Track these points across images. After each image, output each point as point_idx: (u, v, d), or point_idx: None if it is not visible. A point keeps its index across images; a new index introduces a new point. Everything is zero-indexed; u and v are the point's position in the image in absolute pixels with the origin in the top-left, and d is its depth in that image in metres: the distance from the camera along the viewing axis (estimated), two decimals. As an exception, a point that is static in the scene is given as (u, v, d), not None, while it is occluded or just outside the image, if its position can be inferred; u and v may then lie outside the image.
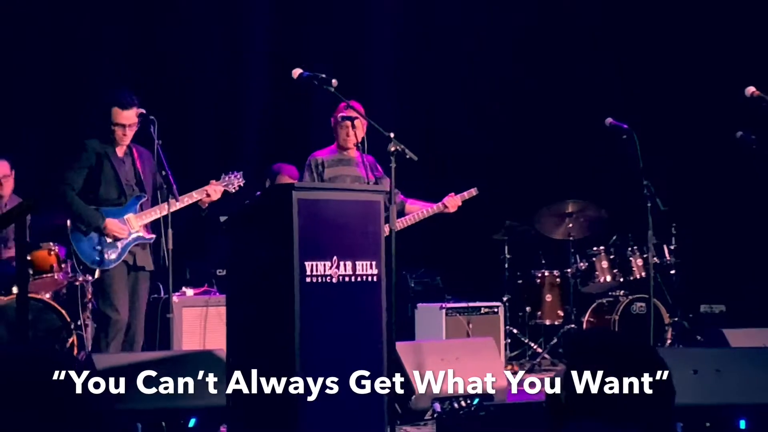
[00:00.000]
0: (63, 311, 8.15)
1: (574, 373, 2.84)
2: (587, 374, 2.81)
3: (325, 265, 5.27)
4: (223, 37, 11.03)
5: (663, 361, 2.81)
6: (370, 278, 5.42)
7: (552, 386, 3.57)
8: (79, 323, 8.46)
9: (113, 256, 7.18)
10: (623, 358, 2.84)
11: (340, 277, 5.31)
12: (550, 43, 11.83)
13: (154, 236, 7.28)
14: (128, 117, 7.20)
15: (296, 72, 6.50)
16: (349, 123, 7.65)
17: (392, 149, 6.23)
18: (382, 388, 5.42)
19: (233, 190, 7.54)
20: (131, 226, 7.22)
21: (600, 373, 2.80)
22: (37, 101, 9.96)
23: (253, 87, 11.13)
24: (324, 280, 5.26)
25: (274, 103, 11.05)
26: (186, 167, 8.71)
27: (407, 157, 6.29)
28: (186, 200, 7.30)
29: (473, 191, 8.37)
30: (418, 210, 8.08)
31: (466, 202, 8.40)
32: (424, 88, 11.89)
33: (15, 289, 7.52)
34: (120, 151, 7.33)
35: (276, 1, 11.24)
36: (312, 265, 5.21)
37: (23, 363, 1.87)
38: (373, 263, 5.43)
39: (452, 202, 8.17)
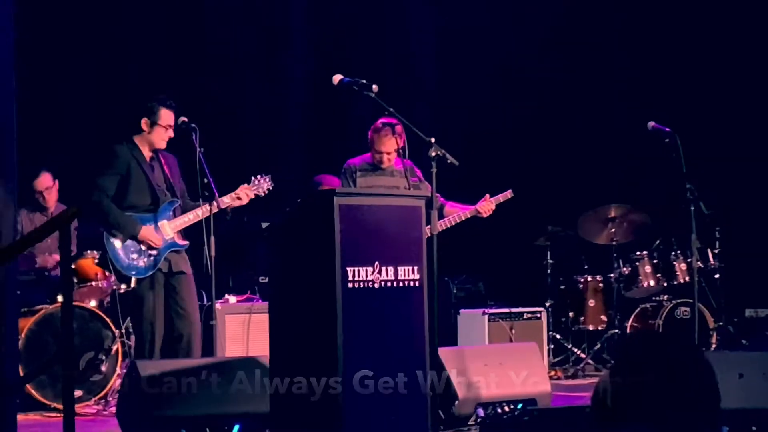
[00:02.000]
0: (108, 319, 8.21)
1: (621, 378, 2.82)
2: (634, 378, 2.79)
3: (367, 270, 5.26)
4: (264, 43, 11.06)
5: (710, 364, 2.79)
6: (412, 283, 5.41)
7: (597, 391, 3.56)
8: (123, 331, 8.52)
9: (149, 264, 7.19)
10: (670, 362, 2.81)
11: (382, 283, 5.31)
12: (594, 45, 11.79)
13: (187, 243, 7.29)
14: (172, 118, 7.27)
15: (336, 78, 6.49)
16: (384, 152, 7.68)
17: (433, 154, 6.22)
18: (425, 393, 5.41)
19: (263, 194, 7.53)
20: (165, 233, 7.23)
21: (646, 377, 2.78)
22: (79, 108, 10.03)
23: (295, 94, 11.16)
24: (366, 285, 5.25)
25: (316, 110, 11.08)
26: (226, 173, 8.75)
27: (448, 162, 6.27)
28: (219, 206, 7.27)
29: (508, 194, 8.36)
30: (454, 213, 8.10)
31: (508, 207, 8.38)
32: (465, 93, 11.86)
33: (60, 298, 7.58)
34: (147, 157, 7.34)
35: (316, 7, 11.26)
36: (354, 270, 5.21)
37: None
38: (415, 268, 5.42)
39: (486, 206, 8.17)
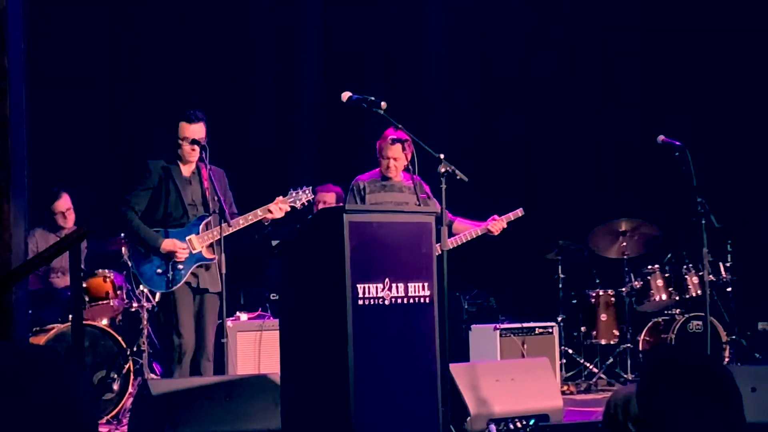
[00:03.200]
0: (119, 337, 8.22)
1: (643, 393, 2.80)
2: (656, 394, 2.78)
3: (377, 287, 5.26)
4: (278, 56, 11.08)
5: (733, 380, 2.77)
6: (422, 300, 5.41)
7: (609, 406, 3.54)
8: (135, 349, 8.53)
9: (176, 278, 7.14)
10: (692, 377, 2.79)
11: (393, 299, 5.31)
12: (603, 60, 11.80)
13: (215, 257, 7.19)
14: (194, 131, 7.22)
15: (345, 95, 6.51)
16: (390, 158, 7.70)
17: (442, 170, 6.23)
18: (437, 409, 5.40)
19: (300, 206, 7.40)
20: (193, 247, 7.16)
21: (668, 393, 2.76)
22: (98, 130, 10.07)
23: (307, 109, 11.17)
24: (376, 302, 5.25)
25: (328, 126, 11.09)
26: (242, 187, 8.77)
27: (458, 177, 6.28)
28: (250, 218, 7.21)
29: (519, 212, 8.36)
30: (464, 231, 8.10)
31: (519, 222, 8.38)
32: (475, 108, 11.88)
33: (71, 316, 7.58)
34: (186, 171, 7.29)
35: (329, 22, 11.29)
36: (364, 287, 5.21)
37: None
38: (426, 284, 5.42)
39: (496, 225, 8.18)
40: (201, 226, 7.24)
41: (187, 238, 7.19)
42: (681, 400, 2.76)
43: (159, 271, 7.15)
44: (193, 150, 7.21)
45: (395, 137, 7.60)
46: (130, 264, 7.40)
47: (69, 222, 8.78)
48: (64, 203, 8.75)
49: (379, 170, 7.89)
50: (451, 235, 8.00)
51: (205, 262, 7.23)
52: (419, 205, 7.41)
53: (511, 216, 8.32)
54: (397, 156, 7.75)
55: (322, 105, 10.88)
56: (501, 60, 11.99)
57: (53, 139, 9.39)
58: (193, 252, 7.18)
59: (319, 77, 11.12)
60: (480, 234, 8.19)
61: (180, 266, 7.15)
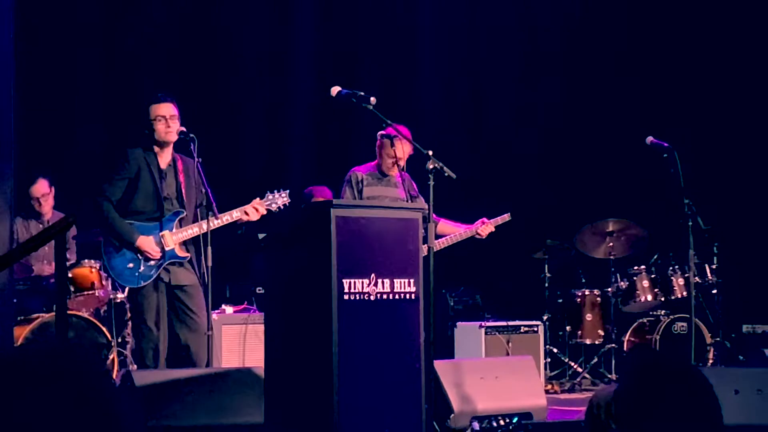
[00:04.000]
0: (104, 328, 8.21)
1: (623, 394, 2.80)
2: (635, 394, 2.78)
3: (363, 282, 5.26)
4: (269, 52, 11.08)
5: (710, 386, 2.78)
6: (408, 296, 5.41)
7: (591, 405, 3.55)
8: (120, 340, 8.52)
9: (145, 274, 7.02)
10: (672, 383, 2.80)
11: (378, 295, 5.30)
12: (592, 60, 11.82)
13: (189, 255, 7.11)
14: (166, 109, 7.10)
15: (335, 90, 6.49)
16: (394, 156, 7.69)
17: (431, 167, 6.23)
18: (421, 406, 5.40)
19: (275, 209, 7.31)
20: (166, 243, 7.05)
21: (647, 394, 2.76)
22: (80, 116, 10.05)
23: (299, 105, 11.17)
24: (362, 297, 5.25)
25: (320, 121, 11.09)
26: (231, 184, 8.74)
27: (446, 174, 6.27)
28: (225, 219, 7.11)
29: (506, 216, 8.38)
30: (450, 234, 8.10)
31: (504, 223, 8.40)
32: (466, 106, 11.90)
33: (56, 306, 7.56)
34: (163, 162, 7.18)
35: (322, 18, 11.29)
36: (350, 282, 5.21)
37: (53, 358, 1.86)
38: (411, 281, 5.42)
39: (485, 229, 8.20)
40: (175, 223, 7.12)
41: (161, 233, 7.07)
42: (659, 405, 2.76)
43: (130, 265, 7.02)
44: (169, 128, 7.07)
45: (385, 133, 7.57)
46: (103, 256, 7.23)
47: (45, 208, 8.71)
48: (40, 188, 8.68)
49: (376, 163, 7.88)
50: (436, 237, 7.99)
51: (178, 260, 7.12)
52: (409, 201, 7.42)
53: (499, 220, 8.35)
54: (401, 155, 7.73)
55: (314, 101, 10.88)
56: (490, 61, 12.00)
57: (43, 126, 9.36)
58: (166, 249, 7.06)
59: (312, 72, 11.12)
60: (466, 237, 8.20)
61: (151, 262, 7.04)
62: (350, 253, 5.21)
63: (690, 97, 11.21)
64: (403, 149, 7.66)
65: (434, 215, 7.95)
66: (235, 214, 7.16)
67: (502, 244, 9.53)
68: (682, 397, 2.72)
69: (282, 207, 7.34)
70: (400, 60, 11.66)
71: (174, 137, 7.11)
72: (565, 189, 11.42)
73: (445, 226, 8.14)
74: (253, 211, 7.19)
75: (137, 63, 10.29)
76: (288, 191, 7.44)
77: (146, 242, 7.03)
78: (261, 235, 5.81)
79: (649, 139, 7.81)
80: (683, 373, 2.79)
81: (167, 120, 7.10)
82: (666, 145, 7.68)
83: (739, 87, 11.04)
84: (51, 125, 9.66)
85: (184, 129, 7.07)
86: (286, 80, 11.14)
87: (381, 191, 7.78)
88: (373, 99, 6.28)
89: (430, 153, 6.32)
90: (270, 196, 7.34)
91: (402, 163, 7.76)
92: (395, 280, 5.36)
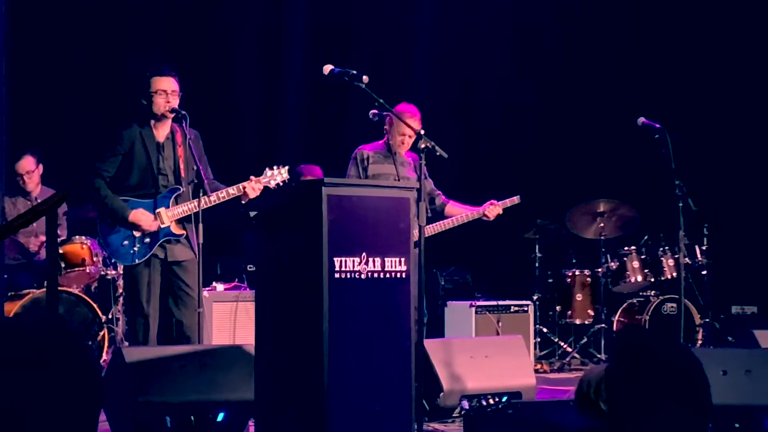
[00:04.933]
0: (94, 305, 8.21)
1: (613, 373, 2.82)
2: (625, 374, 2.79)
3: (354, 261, 5.26)
4: (263, 28, 11.07)
5: (700, 365, 2.79)
6: (398, 275, 5.41)
7: (581, 385, 3.57)
8: (110, 317, 8.53)
9: (140, 251, 6.95)
10: (661, 363, 2.81)
11: (369, 273, 5.31)
12: (584, 42, 11.82)
13: (184, 233, 7.04)
14: (167, 83, 7.02)
15: (327, 68, 6.45)
16: (406, 134, 7.67)
17: (422, 146, 6.22)
18: (410, 384, 5.41)
19: (273, 186, 7.19)
20: (162, 221, 6.97)
21: (637, 374, 2.78)
22: (73, 93, 10.03)
23: (293, 83, 11.16)
24: (353, 276, 5.25)
25: (314, 99, 11.08)
26: (228, 160, 8.71)
27: (437, 154, 6.26)
28: (223, 196, 7.02)
29: (515, 199, 8.30)
30: (458, 214, 8.06)
31: (497, 200, 8.39)
32: (457, 86, 11.90)
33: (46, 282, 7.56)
34: (160, 135, 7.07)
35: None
36: (341, 260, 5.21)
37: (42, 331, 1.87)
38: (402, 260, 5.42)
39: (493, 210, 8.11)
40: (171, 200, 7.04)
41: (157, 210, 7.00)
42: (649, 384, 2.77)
43: (125, 243, 6.96)
44: (168, 103, 6.98)
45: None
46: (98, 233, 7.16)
47: (30, 185, 8.69)
48: (25, 164, 8.66)
49: (383, 142, 7.82)
50: (443, 217, 8.00)
51: (174, 237, 7.06)
52: (420, 181, 7.45)
53: (508, 202, 8.24)
54: (412, 133, 7.69)
55: (307, 78, 10.87)
56: (483, 41, 11.99)
57: (34, 101, 9.34)
58: (162, 226, 6.99)
59: (305, 50, 11.11)
60: (474, 218, 8.13)
61: (146, 239, 6.97)
62: (341, 231, 5.21)
63: (683, 79, 11.22)
64: (413, 127, 7.64)
65: (443, 197, 8.00)
66: (232, 191, 7.07)
67: (493, 223, 9.54)
68: (671, 376, 2.73)
69: (281, 184, 7.23)
70: (393, 37, 11.64)
71: (173, 108, 7.00)
72: (557, 169, 11.43)
73: (453, 208, 8.10)
74: (251, 188, 7.09)
75: (128, 36, 10.27)
76: (287, 167, 7.32)
77: (138, 214, 6.94)
78: (252, 213, 5.80)
79: (641, 120, 7.81)
80: (673, 353, 2.81)
81: (168, 94, 7.01)
82: (657, 126, 7.68)
83: (731, 69, 11.05)
84: (41, 102, 9.63)
85: (175, 106, 7.02)
86: (279, 56, 11.12)
87: (387, 169, 7.73)
88: (365, 78, 6.25)
89: (422, 132, 6.32)
90: (269, 172, 7.23)
91: (410, 142, 7.73)
92: (386, 259, 5.37)
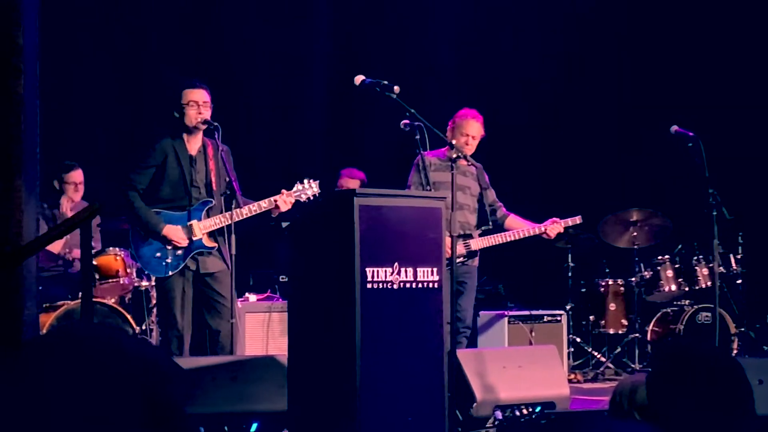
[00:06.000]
0: (128, 316, 8.24)
1: (653, 381, 2.79)
2: (665, 385, 2.77)
3: (386, 271, 5.26)
4: (288, 40, 11.09)
5: (743, 372, 2.76)
6: (431, 285, 5.41)
7: (615, 394, 3.55)
8: (143, 328, 8.56)
9: (173, 264, 6.99)
10: (702, 369, 2.78)
11: (401, 284, 5.31)
12: (617, 49, 11.77)
13: (216, 245, 7.06)
14: (199, 95, 7.05)
15: (358, 78, 6.48)
16: (469, 135, 7.70)
17: (453, 156, 6.22)
18: (443, 394, 5.41)
19: (305, 200, 7.17)
20: (194, 233, 7.00)
21: (678, 382, 2.75)
22: (105, 108, 10.10)
23: (318, 94, 11.18)
24: (385, 286, 5.25)
25: (339, 109, 11.10)
26: (256, 173, 8.73)
27: (468, 164, 6.27)
28: (254, 209, 7.03)
29: (577, 219, 8.28)
30: (518, 228, 8.05)
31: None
32: (487, 94, 11.86)
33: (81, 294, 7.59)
34: (193, 149, 7.11)
35: (338, 7, 11.30)
36: (373, 271, 5.21)
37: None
38: (434, 270, 5.42)
39: (554, 229, 8.08)
40: (203, 212, 7.07)
41: (189, 223, 7.03)
42: (690, 391, 2.75)
43: (158, 255, 6.99)
44: (200, 114, 7.01)
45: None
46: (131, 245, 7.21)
47: (76, 197, 8.77)
48: (77, 176, 8.76)
49: (445, 150, 7.79)
50: (503, 230, 8.01)
51: (206, 250, 7.08)
52: (482, 191, 7.47)
53: (570, 222, 8.24)
54: (476, 134, 7.75)
55: (333, 90, 10.89)
56: (512, 47, 11.96)
57: (65, 116, 9.41)
58: (194, 239, 7.02)
59: (329, 60, 11.13)
60: (534, 234, 8.11)
61: (179, 252, 7.00)
62: (373, 241, 5.22)
63: (716, 86, 11.15)
64: (481, 128, 7.70)
65: (504, 209, 8.01)
66: (264, 205, 7.08)
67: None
68: (713, 384, 2.71)
69: (311, 198, 7.21)
70: (415, 41, 11.66)
71: (206, 118, 7.04)
72: (590, 178, 11.38)
73: (513, 221, 8.09)
74: (283, 202, 7.09)
75: (153, 48, 10.33)
76: (318, 181, 7.31)
77: (172, 231, 7.00)
78: (285, 224, 5.82)
79: (674, 128, 7.77)
80: (715, 361, 2.78)
81: (199, 106, 7.04)
82: (691, 134, 7.64)
83: (766, 76, 10.98)
84: (71, 115, 9.70)
85: (207, 117, 7.05)
86: (303, 66, 11.15)
87: (448, 177, 7.73)
88: (396, 88, 6.27)
89: (454, 142, 6.33)
90: (299, 186, 7.23)
91: (475, 145, 7.76)
92: (418, 269, 5.37)
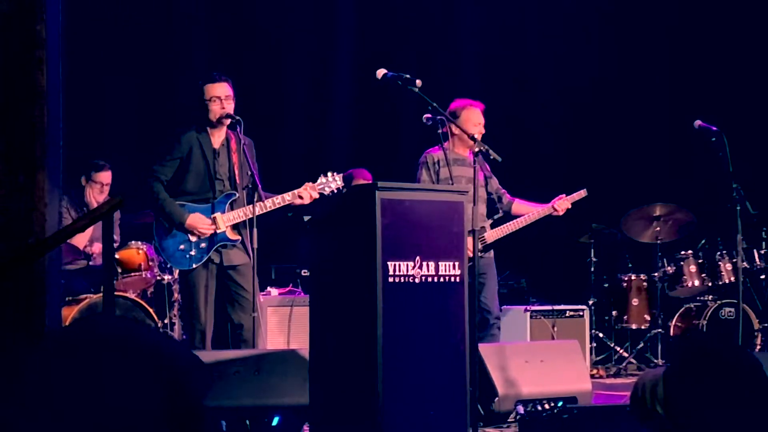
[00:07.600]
0: (150, 309, 8.27)
1: (672, 377, 2.78)
2: (685, 378, 2.75)
3: (408, 265, 5.25)
4: (311, 35, 11.10)
5: (763, 370, 2.75)
6: (452, 279, 5.40)
7: (636, 389, 3.53)
8: (166, 322, 8.59)
9: (197, 256, 7.01)
10: (722, 366, 2.77)
11: (423, 278, 5.30)
12: (639, 44, 11.72)
13: (239, 238, 7.07)
14: (221, 89, 7.08)
15: (380, 72, 6.46)
16: (480, 123, 7.71)
17: (476, 150, 6.20)
18: (465, 389, 5.40)
19: (328, 193, 7.17)
20: (218, 226, 7.02)
21: (697, 379, 2.74)
22: (131, 101, 10.13)
23: (341, 88, 11.18)
24: (407, 280, 5.24)
25: (363, 103, 11.09)
26: (276, 167, 8.73)
27: (491, 157, 6.25)
28: (278, 202, 7.04)
29: (582, 192, 8.29)
30: (527, 213, 8.05)
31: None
32: (512, 89, 11.84)
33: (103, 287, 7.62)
34: (216, 142, 7.12)
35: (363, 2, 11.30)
36: (395, 265, 5.20)
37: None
38: (456, 264, 5.41)
39: (562, 204, 8.10)
40: (227, 205, 7.09)
41: (213, 215, 7.04)
42: (708, 388, 2.73)
43: (181, 247, 7.02)
44: (223, 109, 7.03)
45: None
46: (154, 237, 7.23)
47: (101, 197, 8.79)
48: (107, 176, 8.78)
49: (446, 145, 7.77)
50: (511, 216, 8.01)
51: (229, 243, 7.09)
52: (487, 182, 7.45)
53: (575, 196, 8.24)
54: (481, 119, 7.82)
55: (361, 80, 10.88)
56: (537, 44, 11.94)
57: (87, 109, 9.43)
58: (218, 231, 7.04)
59: (354, 55, 11.12)
60: (545, 215, 8.12)
61: (202, 244, 7.02)
62: (395, 235, 5.21)
63: (740, 79, 11.09)
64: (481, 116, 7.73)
65: (508, 195, 8.01)
66: (287, 198, 7.09)
67: (547, 227, 9.50)
68: (731, 381, 2.69)
69: (335, 191, 7.22)
70: (440, 38, 11.63)
71: (229, 112, 7.07)
72: (612, 173, 11.34)
73: (520, 206, 8.11)
74: (306, 194, 7.11)
75: (178, 44, 10.35)
76: (341, 175, 7.32)
77: (197, 219, 7.01)
78: (306, 218, 5.82)
79: (698, 122, 7.74)
80: (733, 357, 2.76)
81: (222, 100, 7.07)
82: (714, 128, 7.61)
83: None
84: (95, 109, 9.73)
85: (230, 111, 7.07)
86: (327, 60, 11.15)
87: (457, 171, 7.72)
88: (419, 82, 6.25)
89: (476, 135, 6.31)
90: (323, 179, 7.23)
91: (482, 131, 7.78)
92: (440, 263, 5.35)
